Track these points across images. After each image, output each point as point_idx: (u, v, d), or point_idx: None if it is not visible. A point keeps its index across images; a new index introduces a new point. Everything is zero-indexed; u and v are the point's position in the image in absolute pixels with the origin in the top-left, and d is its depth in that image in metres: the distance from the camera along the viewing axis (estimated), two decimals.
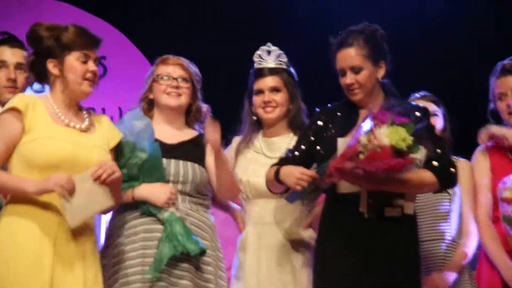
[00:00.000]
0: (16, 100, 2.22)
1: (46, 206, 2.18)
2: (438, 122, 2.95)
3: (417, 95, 2.98)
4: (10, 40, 2.72)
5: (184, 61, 2.71)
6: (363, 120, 2.29)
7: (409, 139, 2.19)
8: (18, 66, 2.64)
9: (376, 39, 2.45)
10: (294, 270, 2.69)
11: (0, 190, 2.31)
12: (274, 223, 2.72)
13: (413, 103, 2.70)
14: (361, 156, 2.20)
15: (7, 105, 2.22)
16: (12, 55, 2.66)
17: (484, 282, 2.95)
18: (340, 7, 4.54)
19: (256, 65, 2.81)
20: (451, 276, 2.81)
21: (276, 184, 2.45)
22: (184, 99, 2.65)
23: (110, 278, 2.47)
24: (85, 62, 2.28)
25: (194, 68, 2.72)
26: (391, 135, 2.19)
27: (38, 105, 2.23)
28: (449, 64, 4.44)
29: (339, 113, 2.50)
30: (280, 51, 2.82)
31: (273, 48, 2.82)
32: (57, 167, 2.15)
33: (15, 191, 2.18)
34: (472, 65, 4.13)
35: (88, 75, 2.28)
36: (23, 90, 2.68)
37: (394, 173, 2.30)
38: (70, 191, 2.11)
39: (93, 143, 2.31)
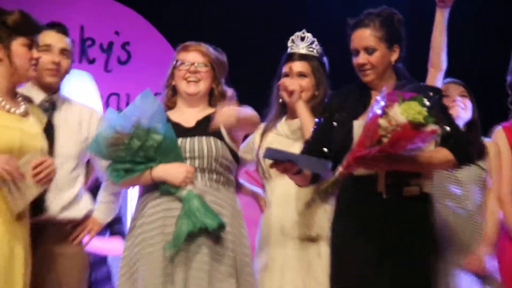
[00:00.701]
0: None
1: None
2: (468, 103, 3.14)
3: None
4: (56, 26, 2.85)
5: (204, 46, 2.80)
6: (374, 103, 2.37)
7: (424, 111, 2.26)
8: (62, 51, 2.77)
9: (393, 23, 2.53)
10: (319, 253, 2.80)
11: None
12: (296, 201, 2.83)
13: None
14: (384, 140, 2.27)
15: None
16: (58, 40, 2.78)
17: (506, 259, 3.10)
18: None
19: (288, 50, 2.92)
20: (484, 254, 3.02)
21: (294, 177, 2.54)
22: (202, 85, 2.75)
23: (133, 258, 2.64)
24: (30, 48, 2.35)
25: (215, 53, 2.82)
26: (406, 112, 2.26)
27: None
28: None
29: (351, 96, 2.60)
30: (314, 39, 2.91)
31: (307, 34, 2.91)
32: (5, 154, 2.25)
33: None
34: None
35: (33, 61, 2.36)
36: (64, 75, 2.82)
37: (420, 149, 2.38)
38: (15, 176, 2.23)
39: (35, 130, 2.40)
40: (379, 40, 2.50)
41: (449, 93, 3.12)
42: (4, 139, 2.28)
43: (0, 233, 2.31)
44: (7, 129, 2.30)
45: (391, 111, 2.26)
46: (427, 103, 2.31)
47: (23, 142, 2.32)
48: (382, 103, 2.29)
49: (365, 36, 2.51)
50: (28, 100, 2.49)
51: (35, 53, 2.35)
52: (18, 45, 2.32)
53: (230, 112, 2.71)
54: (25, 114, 2.41)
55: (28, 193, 2.36)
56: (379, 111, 2.29)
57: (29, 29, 2.36)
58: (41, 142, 2.38)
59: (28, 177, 2.29)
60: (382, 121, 2.26)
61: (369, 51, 2.49)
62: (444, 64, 3.03)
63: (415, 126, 2.27)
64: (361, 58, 2.49)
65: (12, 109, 2.35)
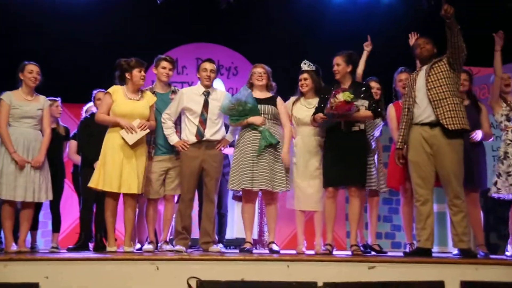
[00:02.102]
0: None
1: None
2: (379, 92, 5.74)
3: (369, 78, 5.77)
4: (209, 60, 5.43)
5: (263, 65, 5.36)
6: (335, 93, 4.95)
7: (350, 96, 4.84)
8: (211, 71, 5.37)
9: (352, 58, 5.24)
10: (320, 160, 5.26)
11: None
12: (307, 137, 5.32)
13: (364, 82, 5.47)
14: (333, 106, 4.90)
15: None
16: (211, 66, 5.37)
17: None
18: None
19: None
20: None
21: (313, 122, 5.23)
22: (264, 82, 5.31)
23: (238, 155, 5.14)
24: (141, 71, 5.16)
25: (267, 68, 5.34)
26: (343, 96, 4.87)
27: None
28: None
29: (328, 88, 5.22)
30: (308, 62, 5.47)
31: (306, 61, 5.44)
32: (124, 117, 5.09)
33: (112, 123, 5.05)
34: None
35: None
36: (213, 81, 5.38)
37: (351, 111, 4.88)
38: (128, 127, 4.97)
39: (142, 106, 5.16)
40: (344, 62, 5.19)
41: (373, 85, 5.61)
42: (123, 111, 5.03)
43: (119, 147, 4.96)
44: (125, 105, 5.05)
45: (338, 95, 4.90)
46: (352, 94, 4.83)
47: (132, 111, 5.02)
48: (335, 93, 4.95)
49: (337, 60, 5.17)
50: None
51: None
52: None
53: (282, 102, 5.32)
54: (139, 99, 5.13)
55: (136, 135, 4.98)
56: (334, 95, 4.93)
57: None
58: (143, 111, 5.09)
59: (136, 128, 4.97)
60: (331, 100, 4.93)
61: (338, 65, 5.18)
62: None
63: (347, 102, 4.87)
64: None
65: (131, 97, 5.11)
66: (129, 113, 5.11)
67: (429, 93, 4.86)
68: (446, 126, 4.76)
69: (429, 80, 4.89)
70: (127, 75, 5.20)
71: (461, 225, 4.78)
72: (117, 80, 5.31)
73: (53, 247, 5.80)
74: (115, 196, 5.16)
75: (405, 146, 5.04)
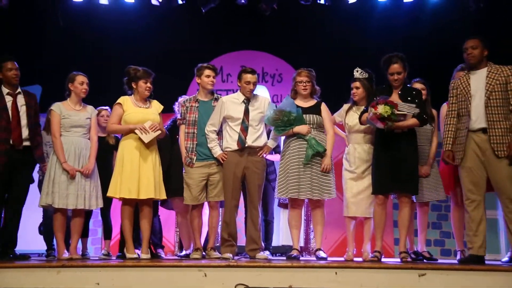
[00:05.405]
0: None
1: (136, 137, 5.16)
2: (425, 93, 5.47)
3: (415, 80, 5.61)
4: (251, 70, 5.43)
5: (307, 72, 5.33)
6: (378, 101, 4.83)
7: (387, 112, 4.68)
8: (254, 83, 5.41)
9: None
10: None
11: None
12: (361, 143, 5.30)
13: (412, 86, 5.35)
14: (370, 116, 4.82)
15: None
16: (253, 78, 5.35)
17: None
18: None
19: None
20: None
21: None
22: (308, 91, 5.35)
23: (284, 163, 5.19)
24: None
25: (312, 73, 5.33)
26: (383, 109, 4.71)
27: None
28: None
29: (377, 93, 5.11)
30: (360, 69, 5.35)
31: (358, 68, 5.36)
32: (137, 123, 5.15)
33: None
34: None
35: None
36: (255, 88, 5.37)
37: (383, 127, 4.78)
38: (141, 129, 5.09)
39: (151, 113, 5.29)
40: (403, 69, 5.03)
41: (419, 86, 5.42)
42: (135, 119, 5.16)
43: (135, 154, 5.13)
44: (136, 114, 5.21)
45: (379, 105, 4.76)
46: (391, 110, 4.67)
47: (144, 118, 5.14)
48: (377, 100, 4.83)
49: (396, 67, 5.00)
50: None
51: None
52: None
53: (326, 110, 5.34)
54: (148, 107, 5.29)
55: (149, 136, 5.11)
56: (375, 104, 4.81)
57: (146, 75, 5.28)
58: (153, 117, 5.20)
59: (147, 128, 5.08)
60: (371, 108, 4.82)
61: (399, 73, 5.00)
62: None
63: (380, 118, 4.74)
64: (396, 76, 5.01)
65: (141, 106, 5.27)
66: (142, 121, 5.22)
67: (485, 100, 4.74)
68: (496, 152, 4.70)
69: (488, 85, 4.76)
70: (133, 84, 5.30)
71: None
72: (125, 86, 5.40)
73: (104, 254, 5.91)
74: (131, 203, 5.28)
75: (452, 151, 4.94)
